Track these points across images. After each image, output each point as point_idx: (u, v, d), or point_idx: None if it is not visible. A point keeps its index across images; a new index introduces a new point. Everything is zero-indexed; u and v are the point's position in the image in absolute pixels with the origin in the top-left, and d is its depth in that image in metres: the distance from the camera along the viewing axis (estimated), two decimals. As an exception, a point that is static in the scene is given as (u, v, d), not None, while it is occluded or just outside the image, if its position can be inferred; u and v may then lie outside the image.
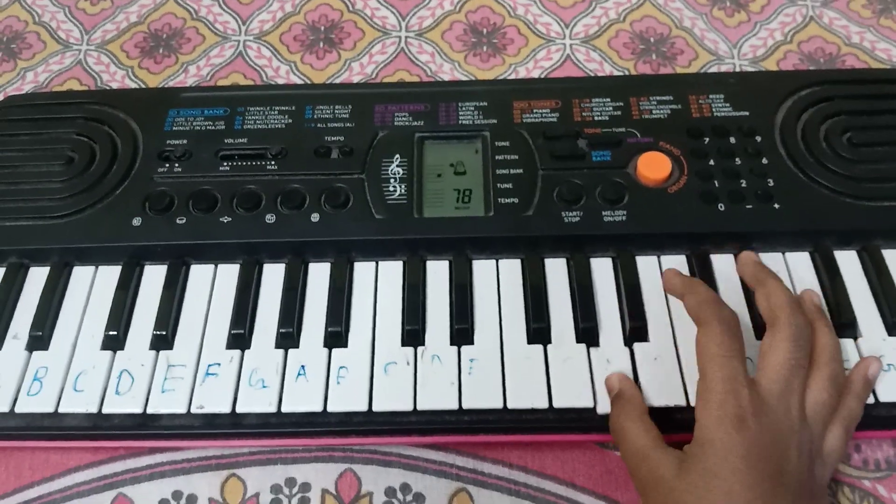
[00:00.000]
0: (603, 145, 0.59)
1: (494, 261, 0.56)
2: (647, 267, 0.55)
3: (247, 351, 0.53)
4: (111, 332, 0.53)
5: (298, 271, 0.56)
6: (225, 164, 0.59)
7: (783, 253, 0.56)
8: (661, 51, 0.74)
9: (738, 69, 0.72)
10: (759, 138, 0.59)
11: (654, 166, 0.57)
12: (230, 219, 0.56)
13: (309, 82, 0.73)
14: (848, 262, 0.55)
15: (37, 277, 0.56)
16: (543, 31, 0.76)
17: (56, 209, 0.58)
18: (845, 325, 0.52)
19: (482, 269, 0.56)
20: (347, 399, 0.50)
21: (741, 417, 0.43)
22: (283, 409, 0.50)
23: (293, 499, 0.51)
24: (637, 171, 0.57)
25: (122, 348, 0.53)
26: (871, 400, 0.49)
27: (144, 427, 0.50)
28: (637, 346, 0.52)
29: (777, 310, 0.48)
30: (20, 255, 0.57)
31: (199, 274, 0.56)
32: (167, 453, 0.53)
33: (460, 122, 0.61)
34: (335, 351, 0.52)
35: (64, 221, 0.57)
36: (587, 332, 0.52)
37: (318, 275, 0.56)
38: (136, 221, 0.57)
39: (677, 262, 0.56)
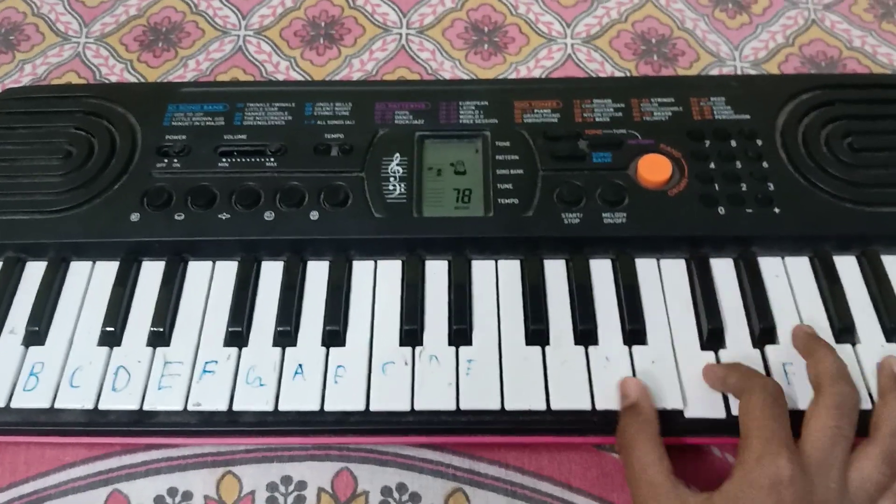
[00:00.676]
0: (604, 147, 0.59)
1: (493, 261, 0.56)
2: (647, 269, 0.55)
3: (244, 349, 0.52)
4: (108, 328, 0.53)
5: (297, 269, 0.56)
6: (224, 160, 0.59)
7: (783, 257, 0.56)
8: (662, 52, 0.74)
9: (739, 71, 0.72)
10: (759, 142, 0.59)
11: (654, 168, 0.57)
12: (229, 215, 0.56)
13: (309, 78, 0.72)
14: (847, 267, 0.55)
15: (34, 272, 0.56)
16: (545, 31, 0.75)
17: (54, 203, 0.57)
18: (843, 330, 0.52)
19: (481, 270, 0.56)
20: (344, 398, 0.50)
21: (777, 480, 0.41)
22: (280, 408, 0.50)
23: (289, 497, 0.51)
24: (637, 174, 0.57)
25: (118, 344, 0.53)
26: (868, 406, 0.49)
27: (140, 424, 0.50)
28: (635, 348, 0.52)
29: (821, 377, 0.47)
30: (17, 249, 0.57)
31: (197, 271, 0.56)
32: (163, 450, 0.53)
33: (461, 121, 0.61)
34: (333, 350, 0.52)
35: (61, 216, 0.57)
36: (585, 334, 0.52)
37: (317, 273, 0.56)
38: (135, 217, 0.56)
39: (677, 266, 0.55)
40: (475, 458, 0.52)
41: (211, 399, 0.50)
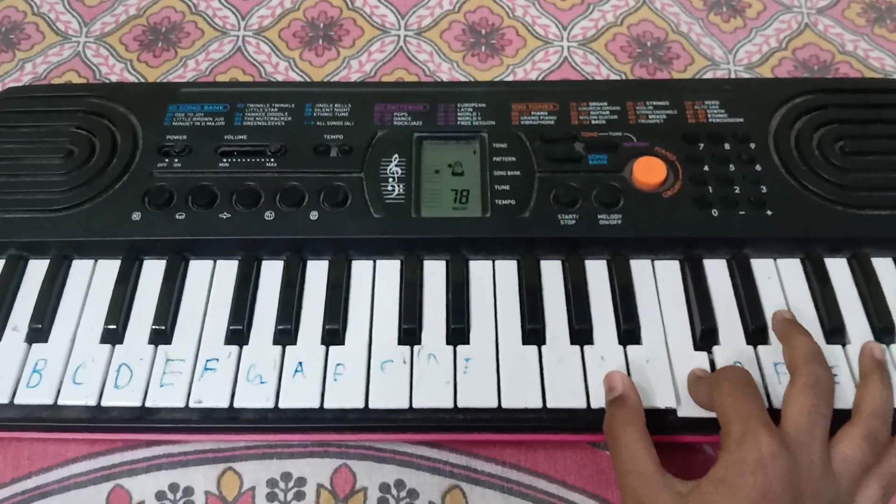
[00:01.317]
0: (599, 149, 0.60)
1: (491, 261, 0.57)
2: (641, 270, 0.56)
3: (245, 347, 0.53)
4: (110, 326, 0.54)
5: (297, 268, 0.56)
6: (224, 160, 0.60)
7: (774, 259, 0.57)
8: (657, 55, 0.74)
9: (733, 75, 0.73)
10: (753, 145, 0.60)
11: (649, 171, 0.57)
12: (229, 215, 0.57)
13: (307, 79, 0.73)
14: (838, 269, 0.56)
15: (36, 270, 0.57)
16: (542, 33, 0.76)
17: (55, 202, 0.58)
18: (833, 331, 0.53)
19: (478, 270, 0.56)
20: (344, 396, 0.51)
21: (759, 460, 0.42)
22: (280, 405, 0.50)
23: (289, 493, 0.52)
24: (633, 176, 0.58)
25: (121, 342, 0.53)
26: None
27: (142, 420, 0.51)
28: (630, 348, 0.53)
29: (796, 359, 0.48)
30: (20, 247, 0.57)
31: (198, 269, 0.57)
32: (164, 446, 0.53)
33: (459, 122, 0.62)
34: (332, 348, 0.53)
35: (63, 214, 0.57)
36: (581, 334, 0.53)
37: (316, 272, 0.56)
38: (136, 216, 0.57)
39: (671, 266, 0.56)
40: (472, 455, 0.53)
41: (212, 396, 0.51)
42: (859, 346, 0.52)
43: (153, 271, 0.57)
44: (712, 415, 0.49)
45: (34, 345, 0.53)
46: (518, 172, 0.59)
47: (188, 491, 0.52)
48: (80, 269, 0.57)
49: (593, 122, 0.61)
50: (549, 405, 0.50)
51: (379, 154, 0.60)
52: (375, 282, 0.56)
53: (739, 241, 0.56)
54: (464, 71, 0.74)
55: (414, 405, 0.50)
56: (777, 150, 0.60)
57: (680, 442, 0.51)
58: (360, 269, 0.57)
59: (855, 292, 0.55)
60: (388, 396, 0.51)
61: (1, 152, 0.61)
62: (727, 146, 0.60)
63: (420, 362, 0.52)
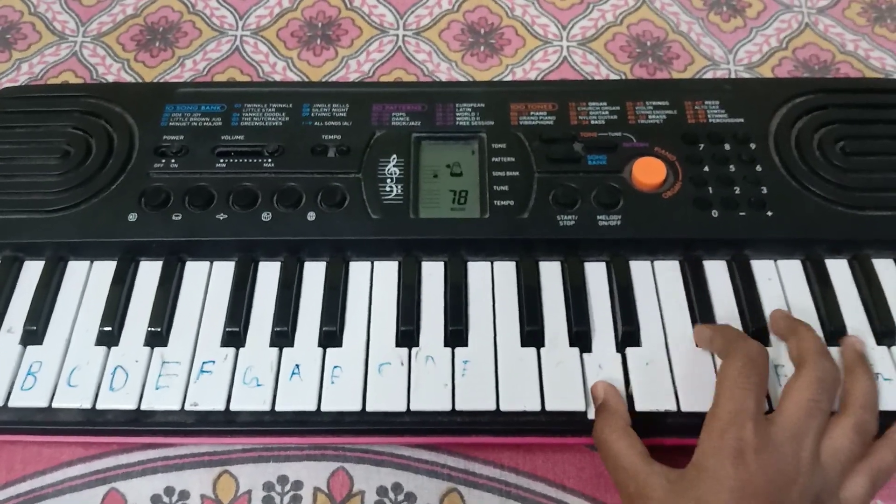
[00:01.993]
0: (599, 149, 0.59)
1: (489, 263, 0.56)
2: (641, 271, 0.56)
3: (241, 349, 0.53)
4: (106, 328, 0.53)
5: (294, 270, 0.56)
6: (221, 160, 0.59)
7: (775, 260, 0.56)
8: (657, 55, 0.74)
9: (733, 74, 0.72)
10: (753, 145, 0.59)
11: (649, 171, 0.57)
12: (226, 216, 0.57)
13: (305, 79, 0.73)
14: (839, 270, 0.56)
15: (31, 271, 0.56)
16: (541, 33, 0.76)
17: (51, 203, 0.57)
18: (834, 333, 0.53)
19: (477, 271, 0.56)
20: (341, 399, 0.50)
21: (740, 451, 0.42)
22: (277, 408, 0.50)
23: (285, 496, 0.52)
24: (632, 176, 0.57)
25: (116, 344, 0.53)
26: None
27: (138, 423, 0.50)
28: (629, 350, 0.52)
29: (804, 353, 0.48)
30: (15, 248, 0.57)
31: (195, 271, 0.56)
32: (160, 449, 0.53)
33: (457, 123, 0.61)
34: (329, 350, 0.52)
35: (59, 215, 0.57)
36: (580, 336, 0.53)
37: (314, 274, 0.56)
38: (132, 217, 0.57)
39: (670, 268, 0.56)
40: (470, 458, 0.53)
41: (208, 399, 0.50)
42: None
43: (149, 273, 0.56)
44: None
45: (29, 347, 0.53)
46: (517, 173, 0.58)
47: (184, 494, 0.52)
48: (75, 270, 0.57)
49: (593, 122, 0.61)
50: (547, 408, 0.50)
51: (377, 154, 0.59)
52: (373, 283, 0.56)
53: (740, 242, 0.56)
54: (463, 71, 0.73)
55: (412, 408, 0.50)
56: (777, 150, 0.59)
57: (682, 445, 0.50)
58: (358, 271, 0.56)
59: (856, 294, 0.55)
60: (385, 399, 0.50)
61: (-3, 152, 0.60)
62: (727, 146, 0.59)
63: (418, 364, 0.52)
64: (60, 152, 0.60)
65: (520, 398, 0.50)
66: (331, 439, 0.52)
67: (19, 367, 0.52)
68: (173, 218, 0.56)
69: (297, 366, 0.52)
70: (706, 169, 0.58)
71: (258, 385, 0.51)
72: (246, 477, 0.52)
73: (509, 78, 0.73)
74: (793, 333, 0.50)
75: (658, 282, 0.56)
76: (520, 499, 0.51)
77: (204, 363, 0.52)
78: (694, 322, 0.54)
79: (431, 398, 0.50)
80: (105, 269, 0.56)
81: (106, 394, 0.51)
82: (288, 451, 0.53)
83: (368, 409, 0.50)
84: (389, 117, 0.62)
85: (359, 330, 0.53)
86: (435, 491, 0.52)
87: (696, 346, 0.52)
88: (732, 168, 0.58)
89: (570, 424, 0.50)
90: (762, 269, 0.56)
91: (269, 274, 0.56)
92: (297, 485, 0.52)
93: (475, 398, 0.50)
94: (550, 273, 0.56)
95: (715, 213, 0.56)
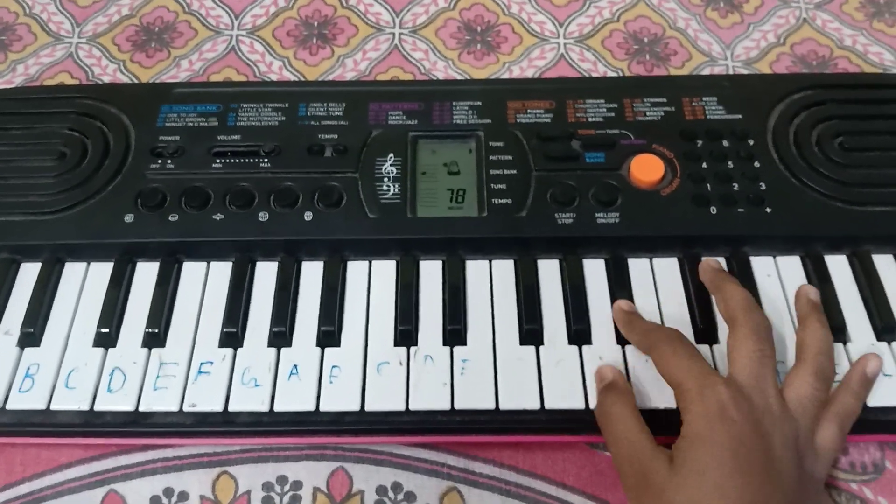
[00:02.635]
0: (596, 147, 0.59)
1: (487, 261, 0.56)
2: (639, 269, 0.56)
3: (239, 349, 0.53)
4: (103, 330, 0.53)
5: (291, 270, 0.56)
6: (218, 161, 0.59)
7: (774, 257, 0.56)
8: (654, 51, 0.74)
9: (731, 71, 0.72)
10: (751, 142, 0.59)
11: (647, 169, 0.57)
12: (223, 216, 0.56)
13: (302, 78, 0.72)
14: (838, 266, 0.56)
15: (28, 273, 0.56)
16: (538, 30, 0.76)
17: (48, 205, 0.57)
18: (834, 329, 0.52)
19: (475, 270, 0.56)
20: (340, 398, 0.50)
21: (723, 408, 0.43)
22: (276, 408, 0.50)
23: (284, 496, 0.51)
24: (630, 174, 0.57)
25: (114, 345, 0.53)
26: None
27: (136, 424, 0.50)
28: (629, 347, 0.52)
29: (733, 310, 0.49)
30: (11, 250, 0.57)
31: (192, 271, 0.56)
32: (159, 450, 0.53)
33: (454, 121, 0.61)
34: (328, 350, 0.52)
35: (56, 217, 0.57)
36: (579, 334, 0.53)
37: (311, 274, 0.56)
38: (129, 218, 0.57)
39: (669, 265, 0.56)
40: (470, 457, 0.53)
41: (206, 400, 0.50)
42: (861, 345, 0.52)
43: (146, 274, 0.56)
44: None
45: (26, 349, 0.53)
46: (514, 171, 0.58)
47: (183, 496, 0.51)
48: (72, 271, 0.56)
49: (590, 119, 0.61)
50: (547, 406, 0.50)
51: (374, 153, 0.59)
52: (371, 283, 0.56)
53: (738, 239, 0.56)
54: (459, 69, 0.73)
55: (411, 407, 0.50)
56: (776, 146, 0.59)
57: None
58: (356, 270, 0.56)
59: (856, 290, 0.55)
60: (384, 398, 0.50)
61: (-8, 155, 0.60)
62: (725, 143, 0.59)
63: (417, 364, 0.51)
64: (57, 154, 0.60)
65: (519, 396, 0.50)
66: (330, 439, 0.52)
67: (17, 370, 0.52)
68: (170, 219, 0.56)
69: (296, 366, 0.52)
70: (704, 166, 0.58)
71: (256, 385, 0.51)
72: (245, 477, 0.52)
73: (506, 76, 0.72)
74: (718, 290, 0.52)
75: (657, 279, 0.56)
76: (520, 497, 0.51)
77: (202, 364, 0.52)
78: (692, 319, 0.54)
79: (430, 397, 0.50)
80: (102, 271, 0.56)
81: (104, 395, 0.51)
82: (287, 451, 0.53)
83: (367, 408, 0.50)
84: (386, 116, 0.61)
85: (357, 329, 0.53)
86: (435, 490, 0.52)
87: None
88: (731, 164, 0.58)
89: (570, 422, 0.50)
90: (761, 266, 0.56)
91: (266, 274, 0.56)
92: (297, 485, 0.52)
93: (474, 397, 0.50)
94: (549, 271, 0.56)
95: (713, 210, 0.56)
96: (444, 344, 0.52)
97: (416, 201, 0.57)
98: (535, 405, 0.50)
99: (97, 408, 0.50)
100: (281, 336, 0.53)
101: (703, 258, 0.55)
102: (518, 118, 0.61)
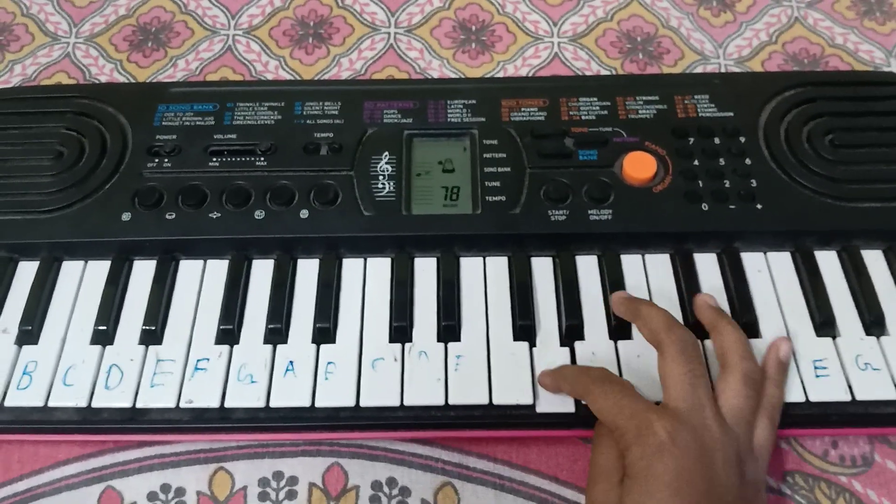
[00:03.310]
0: (589, 144, 0.60)
1: (482, 258, 0.57)
2: (632, 265, 0.56)
3: (235, 346, 0.53)
4: (100, 327, 0.54)
5: (287, 267, 0.56)
6: (214, 159, 0.60)
7: (765, 252, 0.57)
8: (647, 50, 0.74)
9: (723, 69, 0.73)
10: (742, 139, 0.60)
11: (639, 166, 0.57)
12: (219, 214, 0.57)
13: (298, 78, 0.73)
14: (828, 261, 0.56)
15: (26, 272, 0.57)
16: (532, 29, 0.76)
17: (45, 203, 0.58)
18: (824, 323, 0.53)
19: (469, 267, 0.56)
20: (335, 394, 0.51)
21: (661, 446, 0.43)
22: (272, 404, 0.51)
23: (280, 492, 0.52)
24: (623, 171, 0.58)
25: (111, 343, 0.53)
26: (847, 398, 0.50)
27: (133, 421, 0.51)
28: (620, 343, 0.53)
29: (656, 332, 0.49)
30: (9, 249, 0.57)
31: (189, 269, 0.57)
32: (156, 447, 0.53)
33: (449, 119, 0.62)
34: (323, 346, 0.53)
35: (53, 216, 0.57)
36: (572, 330, 0.53)
37: (307, 271, 0.56)
38: (126, 216, 0.57)
39: (661, 261, 0.56)
40: (464, 452, 0.53)
41: (203, 396, 0.51)
42: (850, 339, 0.53)
43: (143, 272, 0.57)
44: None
45: (24, 347, 0.53)
46: (508, 169, 0.59)
47: (180, 491, 0.52)
48: (69, 270, 0.57)
49: (583, 117, 0.61)
50: (539, 401, 0.50)
51: (369, 152, 0.60)
52: (366, 280, 0.56)
53: (730, 235, 0.56)
54: (454, 68, 0.73)
55: (405, 403, 0.50)
56: (767, 143, 0.60)
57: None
58: (351, 268, 0.57)
59: (845, 284, 0.55)
60: (379, 394, 0.51)
61: (-10, 154, 0.61)
62: (717, 140, 0.60)
63: (411, 360, 0.52)
64: (54, 153, 0.60)
65: (512, 392, 0.50)
66: (325, 435, 0.52)
67: (15, 367, 0.52)
68: (167, 217, 0.57)
69: (291, 362, 0.52)
70: (696, 163, 0.59)
71: (252, 382, 0.51)
72: (241, 473, 0.52)
73: (500, 74, 0.73)
74: (637, 316, 0.51)
75: (649, 275, 0.56)
76: (513, 492, 0.52)
77: (198, 361, 0.52)
78: (684, 314, 0.54)
79: (425, 393, 0.51)
80: (99, 269, 0.57)
81: (101, 392, 0.51)
82: (283, 447, 0.53)
83: (362, 404, 0.50)
84: (381, 115, 0.62)
85: (352, 326, 0.54)
86: (429, 485, 0.52)
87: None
88: (722, 161, 0.59)
89: (563, 417, 0.50)
90: (752, 262, 0.56)
91: (262, 272, 0.56)
92: (293, 480, 0.52)
93: (468, 392, 0.51)
94: (542, 268, 0.56)
95: (705, 207, 0.56)
96: (439, 340, 0.53)
97: (410, 199, 0.58)
98: (529, 400, 0.50)
99: (94, 405, 0.51)
100: (277, 333, 0.53)
101: (616, 292, 0.54)
102: (512, 116, 0.62)
